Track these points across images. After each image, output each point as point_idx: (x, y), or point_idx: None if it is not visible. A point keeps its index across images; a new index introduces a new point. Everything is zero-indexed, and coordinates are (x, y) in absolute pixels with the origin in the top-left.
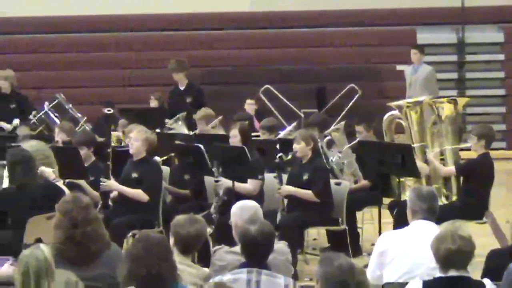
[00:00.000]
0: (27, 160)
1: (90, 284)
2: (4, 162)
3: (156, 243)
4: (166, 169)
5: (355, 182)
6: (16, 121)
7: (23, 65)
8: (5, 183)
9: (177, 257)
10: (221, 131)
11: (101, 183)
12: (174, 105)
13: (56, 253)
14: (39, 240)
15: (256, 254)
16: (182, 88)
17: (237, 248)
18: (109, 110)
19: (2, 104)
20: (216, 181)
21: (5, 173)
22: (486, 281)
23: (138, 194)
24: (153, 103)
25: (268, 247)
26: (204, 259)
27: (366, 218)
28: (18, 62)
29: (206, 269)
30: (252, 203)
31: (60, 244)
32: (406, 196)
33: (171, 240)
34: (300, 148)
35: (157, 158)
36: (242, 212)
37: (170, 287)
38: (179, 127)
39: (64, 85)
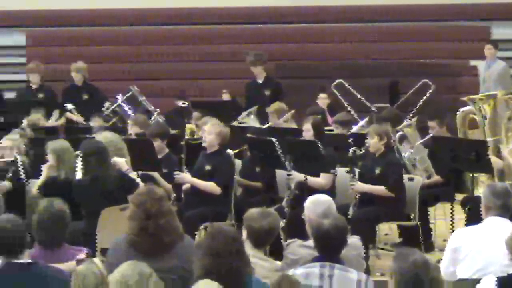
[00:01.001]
0: (101, 151)
1: (163, 276)
2: (78, 153)
3: (232, 237)
4: (238, 162)
5: (428, 178)
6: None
7: (96, 58)
8: (79, 175)
9: (249, 250)
10: (293, 125)
11: (174, 176)
12: (252, 98)
13: (130, 244)
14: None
15: (329, 248)
16: (260, 81)
17: (310, 242)
18: (183, 103)
19: (75, 96)
20: (288, 175)
21: (79, 164)
22: None
23: (211, 186)
24: (225, 97)
25: (341, 242)
26: (276, 253)
27: (438, 214)
28: (92, 54)
29: (278, 263)
30: (325, 197)
31: (134, 235)
32: (479, 192)
33: (244, 233)
34: (373, 142)
35: (229, 151)
36: (316, 206)
37: (244, 280)
38: (251, 120)
39: (137, 77)
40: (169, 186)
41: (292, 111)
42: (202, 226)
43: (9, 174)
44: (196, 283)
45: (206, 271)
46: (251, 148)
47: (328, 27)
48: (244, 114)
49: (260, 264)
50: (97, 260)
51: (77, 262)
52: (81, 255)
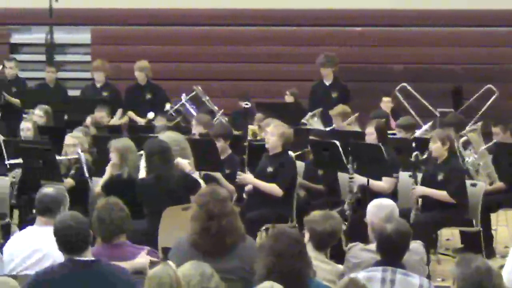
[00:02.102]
0: (165, 150)
1: (224, 276)
2: (142, 152)
3: (295, 239)
4: (300, 164)
5: (491, 184)
6: (151, 114)
7: (161, 57)
8: (142, 173)
9: (311, 252)
10: (357, 128)
11: (236, 176)
12: (318, 100)
13: (192, 244)
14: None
15: (391, 252)
16: (327, 83)
17: (372, 246)
18: (246, 104)
19: (138, 95)
20: (351, 178)
21: (143, 163)
22: None
23: (273, 188)
24: (288, 99)
25: (404, 246)
26: (336, 255)
27: (501, 220)
28: (156, 53)
29: (340, 266)
30: (388, 202)
31: (196, 236)
32: None
33: (306, 236)
34: (436, 147)
35: (291, 153)
36: (379, 210)
37: (306, 282)
38: (315, 122)
39: (201, 77)
40: (231, 186)
41: (356, 114)
42: (263, 228)
43: (72, 171)
44: (260, 284)
45: (268, 271)
46: (314, 151)
47: (393, 31)
48: (308, 115)
49: (322, 267)
50: (171, 262)
51: (150, 266)
52: (143, 253)
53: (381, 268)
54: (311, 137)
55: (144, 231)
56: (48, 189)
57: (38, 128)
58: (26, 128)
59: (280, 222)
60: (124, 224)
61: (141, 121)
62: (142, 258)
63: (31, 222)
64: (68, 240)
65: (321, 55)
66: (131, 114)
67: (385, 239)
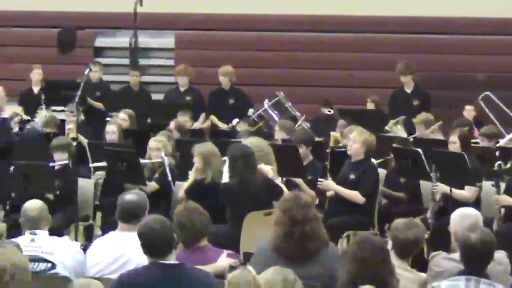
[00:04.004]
0: (248, 155)
1: (307, 283)
2: (226, 157)
3: (379, 246)
4: (382, 172)
5: None
6: (235, 121)
7: (244, 62)
8: (226, 178)
9: (394, 261)
10: (440, 136)
11: (318, 183)
12: (399, 108)
13: (275, 250)
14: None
15: (475, 262)
16: (408, 91)
17: (456, 255)
18: (329, 111)
19: (221, 100)
20: (434, 186)
21: (226, 168)
22: None
23: (355, 195)
24: (370, 106)
25: (488, 256)
26: (418, 264)
27: None
28: (239, 58)
29: (423, 274)
30: (472, 211)
31: (279, 240)
32: None
33: (389, 244)
34: None
35: (373, 160)
36: (463, 219)
37: None
38: (398, 130)
39: (283, 83)
40: (312, 193)
41: (440, 123)
42: (344, 235)
43: (156, 175)
44: None
45: (351, 278)
46: (397, 158)
47: (477, 39)
48: (391, 123)
49: (405, 275)
50: (250, 267)
51: (229, 269)
52: (224, 255)
53: (464, 277)
54: (394, 145)
55: (226, 236)
56: (130, 196)
57: (122, 132)
58: (111, 131)
59: (361, 229)
60: (205, 227)
61: (223, 126)
62: (223, 262)
63: (114, 224)
64: (153, 244)
65: (401, 63)
66: (213, 118)
67: (469, 249)
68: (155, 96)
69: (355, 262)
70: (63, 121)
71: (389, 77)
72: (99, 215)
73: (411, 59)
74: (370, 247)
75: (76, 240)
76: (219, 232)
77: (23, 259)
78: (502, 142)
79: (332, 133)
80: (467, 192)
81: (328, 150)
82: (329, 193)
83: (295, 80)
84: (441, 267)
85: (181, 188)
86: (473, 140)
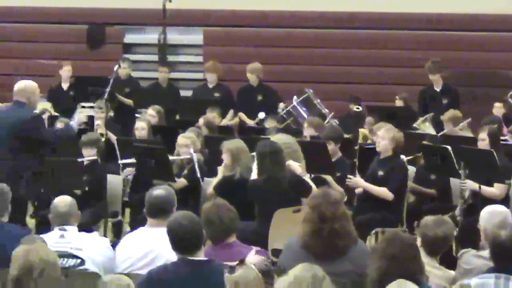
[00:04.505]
0: (276, 152)
1: (335, 280)
2: (254, 154)
3: (408, 243)
4: (411, 168)
5: None
6: (262, 114)
7: (272, 59)
8: (254, 175)
9: (424, 258)
10: (469, 134)
11: (347, 180)
12: (428, 105)
13: (303, 247)
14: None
15: (505, 259)
16: (437, 89)
17: (485, 253)
18: (357, 108)
19: (250, 97)
20: (463, 183)
21: (255, 164)
22: None
23: (383, 192)
24: (398, 103)
25: None
26: (447, 261)
27: None
28: (268, 55)
29: (451, 272)
30: (502, 208)
31: (308, 238)
32: None
33: (418, 241)
34: None
35: (402, 157)
36: (492, 216)
37: (419, 287)
38: (427, 127)
39: (312, 80)
40: (341, 189)
41: (469, 120)
42: (373, 232)
43: (185, 172)
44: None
45: (380, 275)
46: (426, 155)
47: (506, 35)
48: (420, 120)
49: (434, 272)
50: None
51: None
52: (252, 252)
53: (494, 275)
54: (423, 142)
55: (254, 232)
56: (158, 191)
57: (151, 128)
58: (141, 128)
59: (389, 226)
60: (233, 223)
61: (251, 122)
62: (252, 258)
63: (143, 221)
64: (182, 240)
65: (428, 62)
66: (241, 115)
67: (499, 246)
68: (184, 93)
69: (384, 259)
70: (92, 117)
71: (418, 74)
72: (128, 211)
73: (440, 56)
74: (400, 244)
75: (105, 236)
76: (248, 228)
77: (52, 255)
78: None
79: (360, 130)
80: (496, 189)
81: (356, 147)
82: (357, 190)
83: (323, 76)
84: (470, 264)
85: (210, 184)
86: (502, 137)
